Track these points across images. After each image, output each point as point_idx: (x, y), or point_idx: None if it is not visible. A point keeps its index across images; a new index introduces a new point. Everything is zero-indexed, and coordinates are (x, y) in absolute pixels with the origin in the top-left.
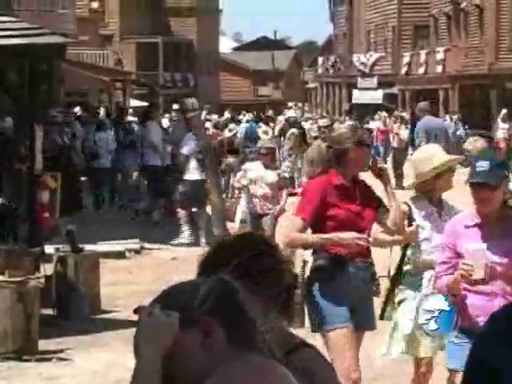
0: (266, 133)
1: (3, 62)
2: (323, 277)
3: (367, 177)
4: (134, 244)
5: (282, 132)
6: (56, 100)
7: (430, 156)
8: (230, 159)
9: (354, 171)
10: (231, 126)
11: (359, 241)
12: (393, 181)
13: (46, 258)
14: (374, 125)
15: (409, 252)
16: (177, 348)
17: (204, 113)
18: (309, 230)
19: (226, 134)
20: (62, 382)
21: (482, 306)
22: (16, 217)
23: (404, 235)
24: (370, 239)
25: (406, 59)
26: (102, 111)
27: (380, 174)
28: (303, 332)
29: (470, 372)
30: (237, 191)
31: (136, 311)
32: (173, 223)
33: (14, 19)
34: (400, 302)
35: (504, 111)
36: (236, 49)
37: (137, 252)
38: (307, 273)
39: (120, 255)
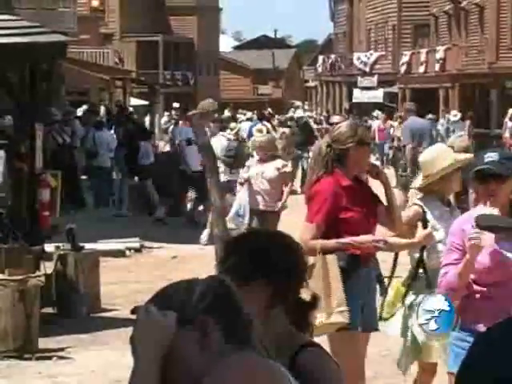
0: (260, 131)
1: (3, 60)
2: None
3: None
4: (134, 243)
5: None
6: (61, 99)
7: (438, 156)
8: None
9: (356, 170)
10: (232, 124)
11: (377, 243)
12: (393, 181)
13: (46, 257)
14: (374, 124)
15: (424, 254)
16: (174, 347)
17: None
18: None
19: (228, 133)
20: (62, 381)
21: (485, 309)
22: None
23: (419, 238)
24: (388, 239)
25: (406, 58)
26: (102, 110)
27: (377, 175)
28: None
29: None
30: (239, 187)
31: (133, 311)
32: (174, 222)
33: (14, 18)
34: (411, 306)
35: (511, 110)
36: (236, 47)
37: (137, 251)
38: None
39: (120, 254)
